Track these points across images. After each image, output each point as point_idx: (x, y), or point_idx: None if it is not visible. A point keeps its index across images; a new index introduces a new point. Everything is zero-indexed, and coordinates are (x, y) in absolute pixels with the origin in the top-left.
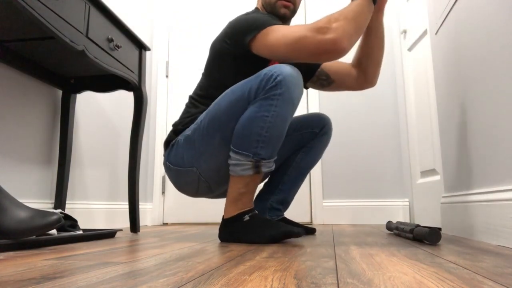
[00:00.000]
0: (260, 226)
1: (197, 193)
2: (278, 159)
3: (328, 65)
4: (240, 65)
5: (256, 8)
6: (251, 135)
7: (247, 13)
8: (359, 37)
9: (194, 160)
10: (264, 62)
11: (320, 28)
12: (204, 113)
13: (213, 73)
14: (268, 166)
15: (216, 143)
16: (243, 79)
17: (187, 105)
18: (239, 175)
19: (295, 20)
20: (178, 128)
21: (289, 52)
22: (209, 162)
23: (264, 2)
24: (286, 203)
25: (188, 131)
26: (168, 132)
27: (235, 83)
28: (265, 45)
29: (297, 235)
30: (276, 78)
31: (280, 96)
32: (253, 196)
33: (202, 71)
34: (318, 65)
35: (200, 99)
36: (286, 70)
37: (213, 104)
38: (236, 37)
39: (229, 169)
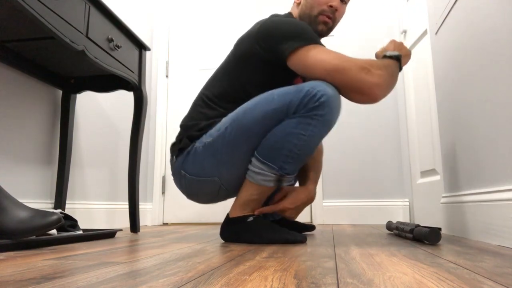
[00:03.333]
0: (261, 229)
1: (211, 200)
2: None
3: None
4: (269, 72)
5: (290, 13)
6: (282, 149)
7: (284, 16)
8: (387, 95)
9: (216, 169)
10: (294, 74)
11: (364, 68)
12: (229, 119)
13: (235, 74)
14: (289, 180)
15: (243, 153)
16: (267, 87)
17: (200, 105)
18: (259, 184)
19: None
20: (192, 133)
21: (326, 78)
22: (232, 172)
23: (303, 12)
24: None
25: (207, 138)
26: (171, 132)
27: (257, 90)
28: (304, 62)
29: (300, 242)
30: (320, 98)
31: (321, 117)
32: (262, 203)
33: (222, 64)
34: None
35: (218, 100)
36: (330, 91)
37: (241, 111)
38: (273, 42)
39: (247, 173)
